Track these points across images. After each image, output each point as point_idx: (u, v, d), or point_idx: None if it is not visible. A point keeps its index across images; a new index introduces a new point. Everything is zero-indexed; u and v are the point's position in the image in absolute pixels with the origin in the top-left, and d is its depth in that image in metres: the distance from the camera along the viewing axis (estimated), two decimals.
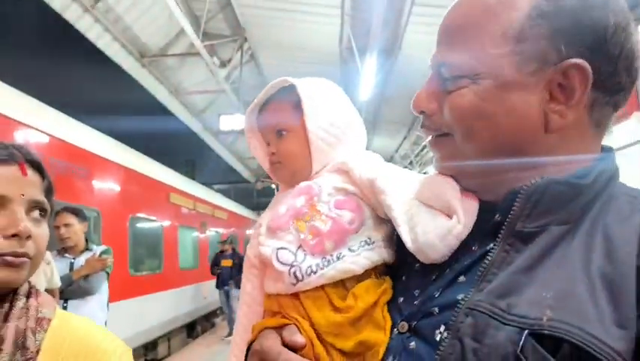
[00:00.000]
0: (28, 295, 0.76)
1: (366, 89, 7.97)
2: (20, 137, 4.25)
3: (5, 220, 0.72)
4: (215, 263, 9.37)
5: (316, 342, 0.63)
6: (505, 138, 0.57)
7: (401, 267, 0.69)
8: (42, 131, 4.65)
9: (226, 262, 9.15)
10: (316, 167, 0.80)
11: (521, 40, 0.55)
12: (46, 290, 2.70)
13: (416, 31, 6.89)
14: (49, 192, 0.82)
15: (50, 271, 2.87)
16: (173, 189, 8.46)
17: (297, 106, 0.80)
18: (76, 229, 3.33)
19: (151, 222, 7.57)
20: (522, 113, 0.56)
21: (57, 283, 2.94)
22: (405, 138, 13.93)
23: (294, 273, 0.68)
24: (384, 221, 0.72)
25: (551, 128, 0.56)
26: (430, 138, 0.65)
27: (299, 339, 0.63)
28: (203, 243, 10.38)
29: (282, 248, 0.71)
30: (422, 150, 15.10)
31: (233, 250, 9.51)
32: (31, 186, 0.77)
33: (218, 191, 14.94)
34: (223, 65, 8.90)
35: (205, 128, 11.86)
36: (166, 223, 8.03)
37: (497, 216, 0.57)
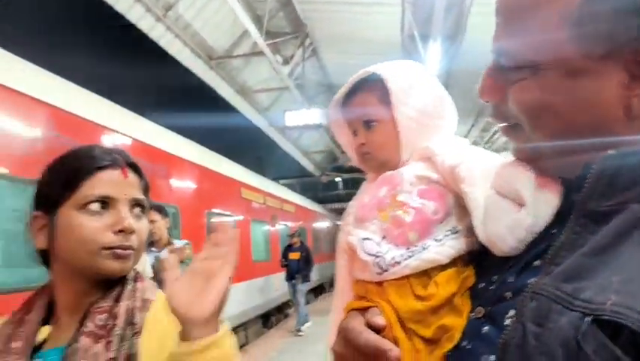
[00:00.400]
0: (135, 280, 0.87)
1: None
2: (110, 141, 4.65)
3: (113, 218, 0.82)
4: (284, 256, 9.34)
5: (395, 326, 0.65)
6: (580, 131, 0.51)
7: (484, 253, 0.66)
8: (129, 136, 5.04)
9: (294, 255, 9.09)
10: (405, 156, 0.78)
11: (584, 20, 0.48)
12: None
13: (481, 13, 6.60)
14: (146, 190, 0.91)
15: (144, 263, 3.14)
16: (244, 184, 8.79)
17: (384, 95, 0.77)
18: (160, 225, 3.54)
19: (225, 217, 7.93)
20: (596, 102, 0.50)
21: (149, 273, 3.20)
22: (473, 126, 13.42)
23: (379, 263, 0.68)
24: None
25: (635, 114, 0.49)
26: (501, 125, 0.62)
27: (379, 321, 0.65)
28: (274, 236, 10.66)
29: (366, 238, 0.71)
30: (492, 135, 14.42)
31: (302, 242, 9.53)
32: (132, 187, 0.87)
33: (284, 185, 15.30)
34: (286, 62, 9.09)
35: (271, 125, 12.19)
36: (239, 217, 8.35)
37: (574, 195, 0.51)
